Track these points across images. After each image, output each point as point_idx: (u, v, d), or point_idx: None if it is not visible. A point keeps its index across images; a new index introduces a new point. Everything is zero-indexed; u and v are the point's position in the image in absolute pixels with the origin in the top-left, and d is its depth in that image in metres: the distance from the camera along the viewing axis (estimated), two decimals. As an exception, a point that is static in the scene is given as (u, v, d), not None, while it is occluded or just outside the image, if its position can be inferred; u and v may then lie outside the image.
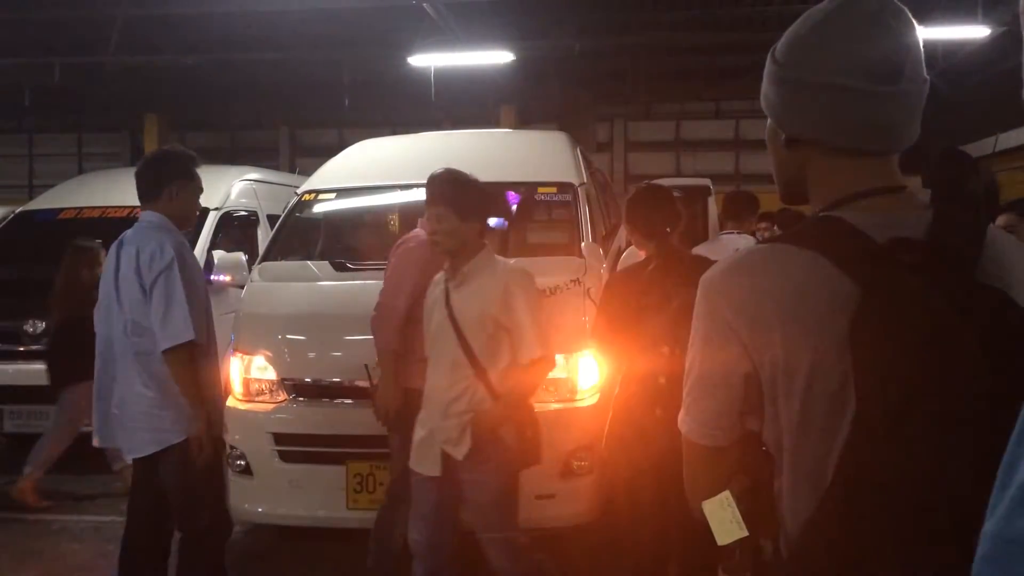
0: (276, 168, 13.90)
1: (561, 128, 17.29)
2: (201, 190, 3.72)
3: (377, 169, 5.36)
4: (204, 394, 3.50)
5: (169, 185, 3.54)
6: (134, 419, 3.53)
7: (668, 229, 3.58)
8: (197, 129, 18.16)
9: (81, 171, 18.02)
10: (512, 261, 3.58)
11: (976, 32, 10.50)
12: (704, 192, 7.24)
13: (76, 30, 11.32)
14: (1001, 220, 9.22)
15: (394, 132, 17.96)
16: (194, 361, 3.45)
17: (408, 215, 5.28)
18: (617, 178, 17.65)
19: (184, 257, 3.47)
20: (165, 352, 3.37)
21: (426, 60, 11.21)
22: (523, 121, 16.80)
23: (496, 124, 16.18)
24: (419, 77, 12.14)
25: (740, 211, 6.10)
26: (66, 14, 10.67)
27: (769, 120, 1.46)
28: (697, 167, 17.50)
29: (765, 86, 1.44)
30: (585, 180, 5.13)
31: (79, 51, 11.69)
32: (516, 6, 10.76)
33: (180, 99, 16.13)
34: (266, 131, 18.49)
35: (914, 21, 1.35)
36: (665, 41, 13.55)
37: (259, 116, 17.77)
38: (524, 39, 11.25)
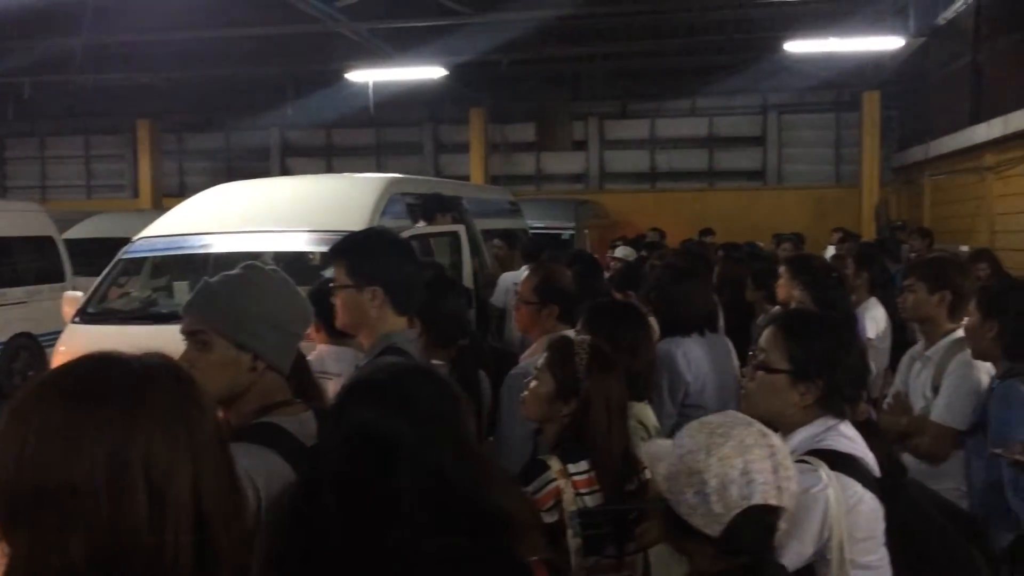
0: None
1: (538, 127, 17.75)
2: None
3: (192, 220, 5.93)
4: None
5: None
6: None
7: None
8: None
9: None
10: None
11: (892, 43, 10.59)
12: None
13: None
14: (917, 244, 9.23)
15: (329, 136, 18.79)
16: None
17: (213, 262, 5.81)
18: (593, 175, 18.00)
19: None
20: None
21: (363, 76, 11.73)
22: (495, 121, 17.21)
23: (465, 125, 16.66)
24: (360, 88, 12.66)
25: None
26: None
27: None
28: (672, 164, 17.76)
29: None
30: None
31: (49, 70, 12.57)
32: (443, 27, 11.15)
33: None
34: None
35: None
36: (608, 49, 13.92)
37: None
38: (453, 55, 11.65)
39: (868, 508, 1.90)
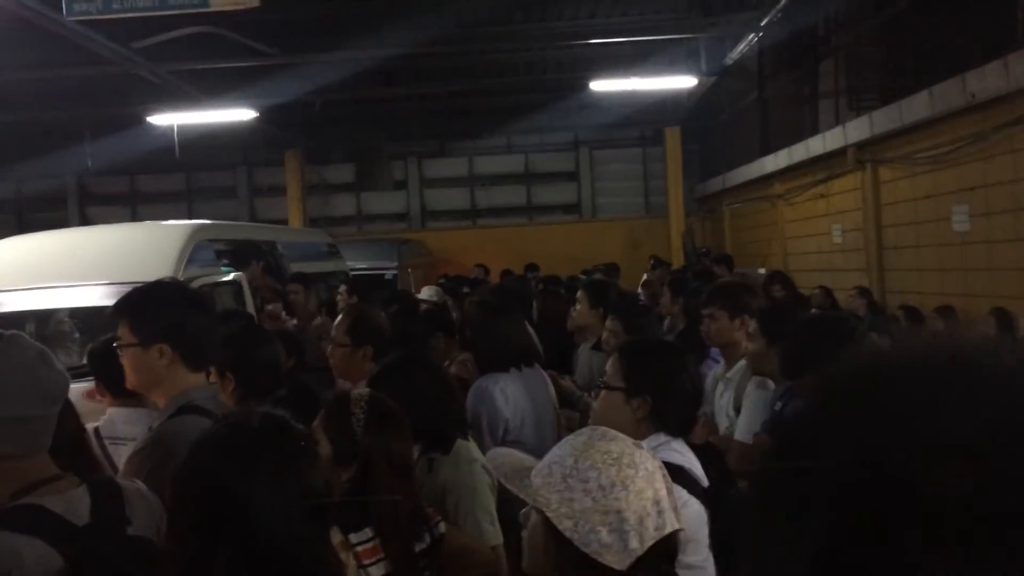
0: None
1: (356, 168, 17.60)
2: None
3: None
4: None
5: None
6: None
7: None
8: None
9: None
10: None
11: (687, 82, 11.29)
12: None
13: None
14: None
15: (133, 182, 17.92)
16: None
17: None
18: (415, 214, 18.04)
19: None
20: None
21: (167, 119, 11.23)
22: (312, 163, 16.93)
23: (280, 168, 16.28)
24: (165, 131, 12.12)
25: None
26: None
27: None
28: (492, 200, 18.09)
29: None
30: (177, 276, 5.31)
31: None
32: (252, 69, 10.86)
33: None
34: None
35: None
36: (424, 89, 14.08)
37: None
38: (264, 97, 11.38)
39: (693, 512, 2.06)
